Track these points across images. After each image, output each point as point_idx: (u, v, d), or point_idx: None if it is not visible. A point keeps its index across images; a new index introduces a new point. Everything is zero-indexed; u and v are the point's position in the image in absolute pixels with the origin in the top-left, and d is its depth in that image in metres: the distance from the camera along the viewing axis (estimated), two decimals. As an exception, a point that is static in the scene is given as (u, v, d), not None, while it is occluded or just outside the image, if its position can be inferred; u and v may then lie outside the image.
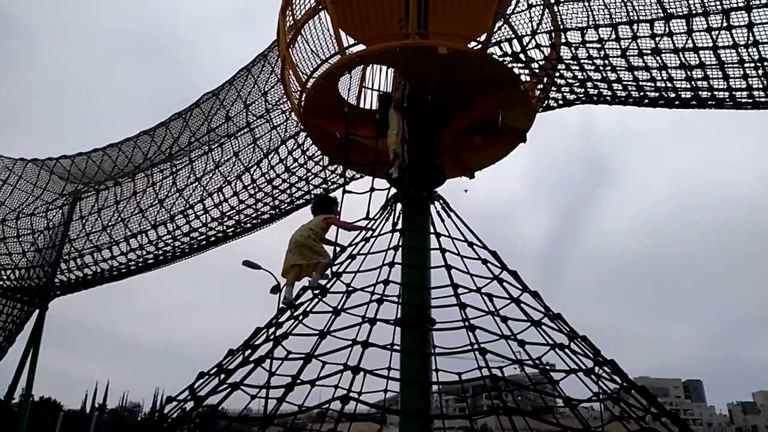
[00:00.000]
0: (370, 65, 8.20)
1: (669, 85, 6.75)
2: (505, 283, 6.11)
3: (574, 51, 7.39)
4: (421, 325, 6.28)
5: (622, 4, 6.55)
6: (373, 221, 6.69)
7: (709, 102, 7.04)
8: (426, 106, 6.98)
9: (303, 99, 7.41)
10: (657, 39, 6.51)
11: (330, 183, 9.03)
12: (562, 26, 7.07)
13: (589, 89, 7.11)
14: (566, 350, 5.53)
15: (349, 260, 6.63)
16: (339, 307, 5.89)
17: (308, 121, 7.65)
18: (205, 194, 9.26)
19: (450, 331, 5.89)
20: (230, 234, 10.72)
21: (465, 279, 6.35)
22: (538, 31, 7.34)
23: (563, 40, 7.11)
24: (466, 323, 5.74)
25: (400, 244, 6.59)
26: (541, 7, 7.68)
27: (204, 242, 10.46)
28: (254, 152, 8.76)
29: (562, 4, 7.20)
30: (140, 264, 11.29)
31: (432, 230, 6.84)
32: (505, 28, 7.67)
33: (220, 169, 9.01)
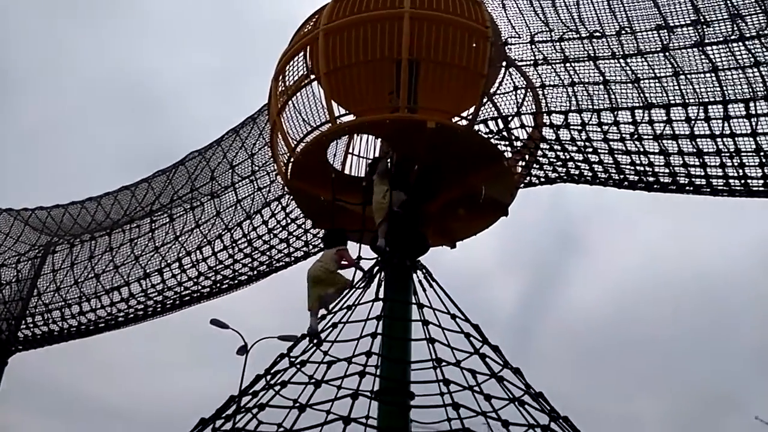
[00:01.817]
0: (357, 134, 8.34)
1: (648, 169, 6.98)
2: (487, 359, 6.05)
3: (556, 132, 7.66)
4: (401, 399, 6.13)
5: (605, 91, 6.86)
6: (354, 289, 6.63)
7: (687, 188, 7.27)
8: (412, 176, 7.08)
9: (291, 163, 7.47)
10: (638, 126, 6.80)
11: (311, 246, 8.99)
12: (546, 108, 7.35)
13: (570, 169, 7.32)
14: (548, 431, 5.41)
15: (331, 328, 6.56)
16: (320, 378, 5.85)
17: (294, 185, 7.70)
18: (183, 252, 9.13)
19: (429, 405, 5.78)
20: (205, 294, 10.51)
21: (446, 351, 6.29)
22: (522, 111, 7.62)
23: (547, 122, 7.37)
24: (450, 400, 5.66)
25: (382, 313, 6.54)
26: (525, 90, 8.02)
27: (177, 301, 10.22)
28: (237, 213, 8.73)
29: (546, 88, 7.52)
30: (110, 321, 10.93)
31: (414, 300, 6.82)
32: (490, 106, 7.96)
33: (200, 227, 8.93)
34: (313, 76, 7.61)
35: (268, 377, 5.83)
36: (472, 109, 7.05)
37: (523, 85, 7.96)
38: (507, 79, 8.09)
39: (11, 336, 11.29)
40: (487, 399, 5.73)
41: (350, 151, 9.05)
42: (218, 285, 9.85)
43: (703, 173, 6.69)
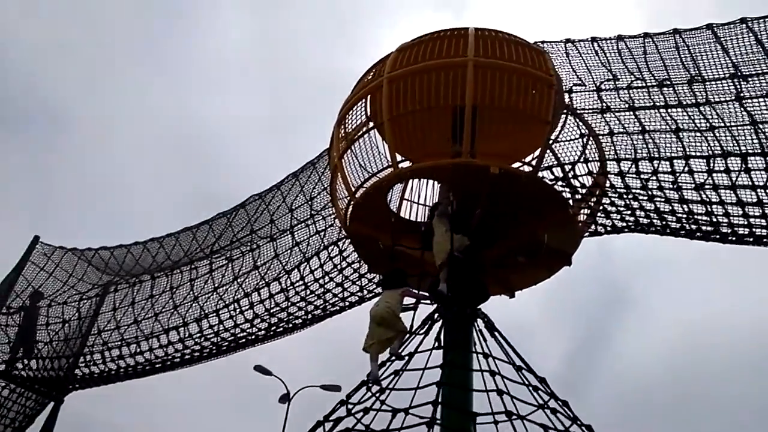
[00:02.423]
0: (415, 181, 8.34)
1: (724, 220, 6.68)
2: (557, 413, 5.75)
3: (624, 179, 7.47)
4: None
5: (676, 139, 6.68)
6: (414, 335, 6.49)
7: (765, 239, 6.90)
8: (474, 221, 6.97)
9: (350, 207, 7.50)
10: (713, 174, 6.56)
11: (366, 291, 8.93)
12: (614, 155, 7.21)
13: (639, 218, 7.07)
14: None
15: (393, 376, 6.41)
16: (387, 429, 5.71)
17: (353, 229, 7.70)
18: (240, 294, 9.22)
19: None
20: (260, 337, 10.51)
21: (509, 404, 6.01)
22: (588, 158, 7.49)
23: (614, 169, 7.21)
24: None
25: (445, 363, 6.37)
26: (587, 137, 7.91)
27: (232, 344, 10.25)
28: (294, 255, 8.79)
29: (615, 135, 7.39)
30: (166, 362, 11.03)
31: (475, 350, 6.61)
32: (551, 154, 7.87)
33: (258, 269, 9.03)
34: (372, 124, 7.72)
35: (327, 425, 5.68)
36: (536, 159, 6.96)
37: (586, 133, 7.88)
38: (570, 128, 8.05)
39: (69, 373, 11.51)
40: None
41: (406, 197, 9.06)
42: (273, 328, 9.84)
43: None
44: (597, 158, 7.85)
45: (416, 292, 6.50)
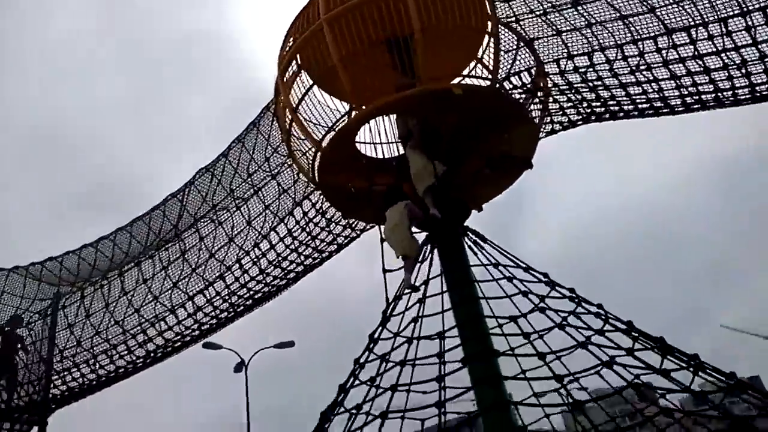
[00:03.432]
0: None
1: (657, 95, 7.28)
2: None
3: (564, 76, 7.89)
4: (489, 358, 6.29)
5: (603, 29, 7.11)
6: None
7: (694, 106, 7.62)
8: (443, 145, 7.19)
9: (318, 158, 7.48)
10: (644, 56, 7.08)
11: (344, 238, 9.06)
12: (551, 56, 7.58)
13: (591, 109, 7.56)
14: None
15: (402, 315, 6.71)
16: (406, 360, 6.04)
17: (323, 179, 7.70)
18: (223, 268, 9.03)
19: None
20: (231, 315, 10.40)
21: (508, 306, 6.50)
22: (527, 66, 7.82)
23: (556, 70, 7.59)
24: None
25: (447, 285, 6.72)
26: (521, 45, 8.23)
27: (206, 328, 10.11)
28: (267, 219, 8.65)
29: (547, 38, 7.74)
30: (147, 360, 10.72)
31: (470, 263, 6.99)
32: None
33: (234, 240, 8.83)
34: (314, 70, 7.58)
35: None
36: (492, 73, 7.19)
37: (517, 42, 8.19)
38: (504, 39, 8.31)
39: (45, 395, 10.93)
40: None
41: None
42: (252, 296, 9.76)
43: (712, 89, 7.02)
44: (534, 63, 8.23)
45: (418, 210, 6.67)
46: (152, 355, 11.27)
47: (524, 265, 6.70)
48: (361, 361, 6.21)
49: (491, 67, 7.84)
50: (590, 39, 7.57)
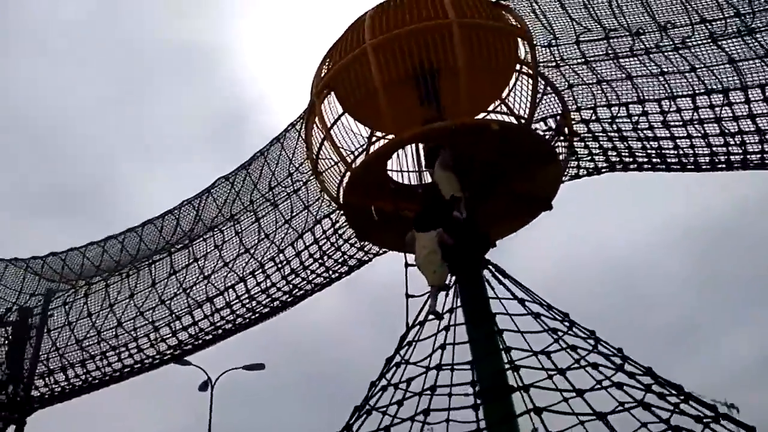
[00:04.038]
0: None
1: (689, 152, 7.45)
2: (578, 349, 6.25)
3: (588, 125, 8.07)
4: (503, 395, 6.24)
5: (630, 86, 7.32)
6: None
7: (719, 165, 7.81)
8: (475, 175, 7.24)
9: (347, 178, 7.52)
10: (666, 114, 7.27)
11: (356, 260, 9.04)
12: (576, 105, 7.76)
13: (616, 157, 7.71)
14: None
15: (415, 344, 6.67)
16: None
17: (347, 200, 7.72)
18: (223, 282, 8.93)
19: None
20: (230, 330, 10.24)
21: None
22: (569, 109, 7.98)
23: (579, 117, 7.77)
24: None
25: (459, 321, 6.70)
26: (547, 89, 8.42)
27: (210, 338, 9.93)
28: (288, 233, 8.62)
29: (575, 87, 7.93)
30: (134, 368, 10.46)
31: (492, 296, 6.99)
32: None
33: (249, 251, 8.78)
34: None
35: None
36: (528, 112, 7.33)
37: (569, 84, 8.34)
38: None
39: (26, 394, 10.57)
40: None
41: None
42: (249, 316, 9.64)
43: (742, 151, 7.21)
44: (561, 109, 8.40)
45: (449, 237, 6.66)
46: (141, 364, 11.02)
47: (545, 303, 6.71)
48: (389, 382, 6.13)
49: (526, 107, 7.99)
50: (623, 91, 7.78)
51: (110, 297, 10.18)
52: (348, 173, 7.44)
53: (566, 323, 6.53)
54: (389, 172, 8.46)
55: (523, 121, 7.36)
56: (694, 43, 7.07)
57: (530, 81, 8.12)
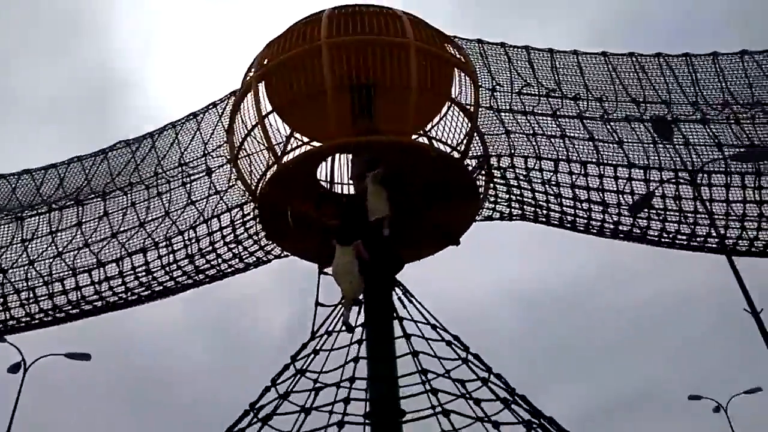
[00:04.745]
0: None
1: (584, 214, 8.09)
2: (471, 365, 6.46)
3: (504, 173, 8.47)
4: (395, 420, 6.27)
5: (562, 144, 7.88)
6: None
7: (605, 232, 8.59)
8: (400, 196, 7.27)
9: (272, 174, 7.25)
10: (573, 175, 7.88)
11: (255, 258, 8.65)
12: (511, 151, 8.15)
13: (524, 207, 8.19)
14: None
15: (313, 355, 6.52)
16: (308, 406, 5.88)
17: (268, 195, 7.42)
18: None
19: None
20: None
21: (432, 363, 6.59)
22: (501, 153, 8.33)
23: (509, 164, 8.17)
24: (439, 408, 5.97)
25: (363, 337, 6.66)
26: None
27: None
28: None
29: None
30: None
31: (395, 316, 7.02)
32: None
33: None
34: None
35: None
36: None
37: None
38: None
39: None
40: (477, 403, 6.09)
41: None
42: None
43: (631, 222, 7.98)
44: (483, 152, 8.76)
45: (365, 251, 6.58)
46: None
47: (450, 337, 6.84)
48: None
49: (452, 140, 8.21)
50: (542, 146, 8.30)
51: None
52: (275, 166, 7.16)
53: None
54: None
55: (457, 155, 7.55)
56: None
57: (462, 116, 8.44)
